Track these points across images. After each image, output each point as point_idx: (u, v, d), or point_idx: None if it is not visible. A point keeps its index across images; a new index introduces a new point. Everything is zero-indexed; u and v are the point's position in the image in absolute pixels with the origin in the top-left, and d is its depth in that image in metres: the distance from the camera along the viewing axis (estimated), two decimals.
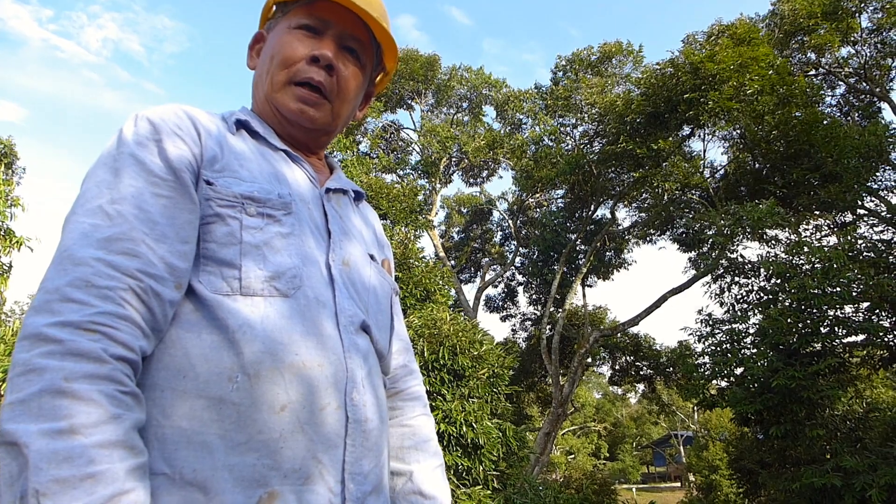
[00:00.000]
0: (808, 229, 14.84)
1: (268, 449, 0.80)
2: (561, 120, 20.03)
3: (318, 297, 0.93)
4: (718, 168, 17.48)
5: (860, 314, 10.77)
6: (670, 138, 15.19)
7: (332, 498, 0.85)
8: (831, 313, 10.59)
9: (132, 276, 0.79)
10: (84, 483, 0.65)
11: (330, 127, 1.14)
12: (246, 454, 0.79)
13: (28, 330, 0.72)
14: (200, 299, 0.86)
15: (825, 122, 14.03)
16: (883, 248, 11.32)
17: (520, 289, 24.26)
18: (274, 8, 1.16)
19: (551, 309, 19.81)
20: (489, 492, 8.49)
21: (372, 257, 1.14)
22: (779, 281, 11.30)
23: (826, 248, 11.00)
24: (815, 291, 10.24)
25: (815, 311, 10.45)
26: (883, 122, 15.85)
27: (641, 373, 22.25)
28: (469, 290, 25.19)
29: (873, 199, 14.39)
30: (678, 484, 43.71)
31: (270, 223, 0.93)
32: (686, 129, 15.93)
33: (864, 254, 11.26)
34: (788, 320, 10.41)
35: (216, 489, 0.76)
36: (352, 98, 1.14)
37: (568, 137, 20.03)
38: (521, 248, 23.55)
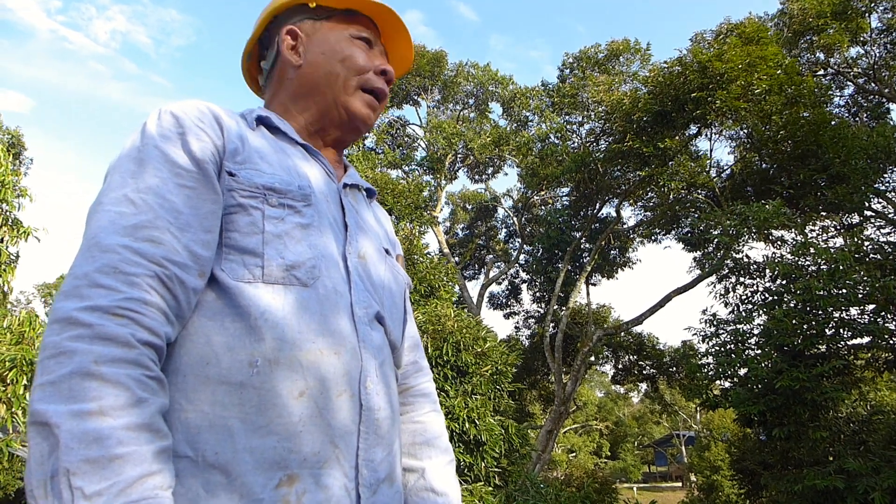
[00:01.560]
0: (814, 230, 14.78)
1: (287, 433, 0.83)
2: (567, 118, 19.99)
3: (335, 287, 0.96)
4: (725, 168, 17.42)
5: (866, 316, 10.72)
6: (677, 137, 15.14)
7: (347, 483, 0.87)
8: (837, 315, 10.55)
9: (157, 264, 0.81)
10: (113, 463, 0.67)
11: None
12: (266, 437, 0.81)
13: (58, 314, 0.74)
14: (223, 287, 0.88)
15: (833, 122, 13.96)
16: (890, 250, 11.27)
17: (524, 286, 24.28)
18: (312, 7, 1.19)
19: (555, 307, 19.80)
20: (491, 488, 8.51)
21: (387, 252, 1.17)
22: (784, 282, 11.27)
23: (832, 250, 10.96)
24: (821, 293, 10.20)
25: (820, 312, 10.42)
26: (891, 123, 15.78)
27: (644, 372, 22.25)
28: (473, 287, 25.20)
29: (881, 200, 14.33)
30: (679, 484, 43.70)
31: (291, 214, 0.96)
32: (693, 129, 15.88)
33: (871, 256, 11.22)
34: (793, 321, 10.38)
35: (237, 471, 0.79)
36: None
37: (574, 135, 19.99)
38: (525, 246, 23.53)
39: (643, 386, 25.66)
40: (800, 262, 11.22)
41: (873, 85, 17.80)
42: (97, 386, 0.69)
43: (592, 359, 20.12)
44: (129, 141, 0.92)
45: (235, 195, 0.93)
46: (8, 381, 5.86)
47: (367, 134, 1.20)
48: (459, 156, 23.06)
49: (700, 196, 16.57)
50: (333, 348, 0.91)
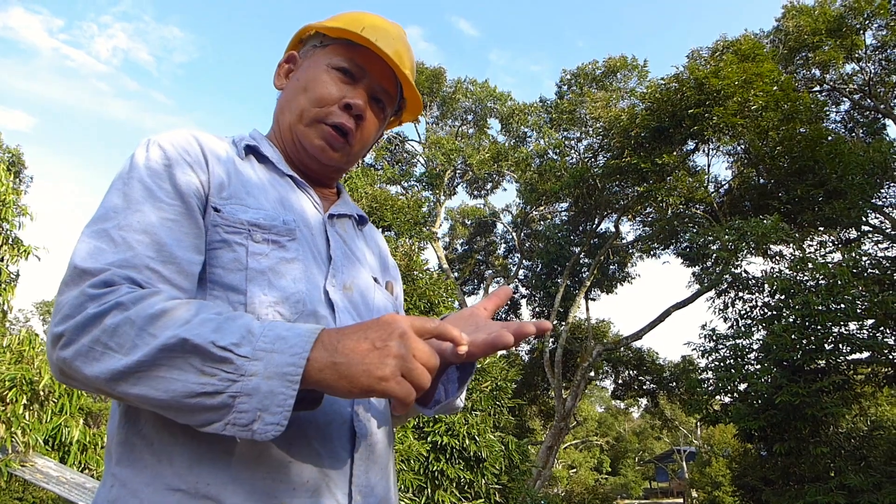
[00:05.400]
0: (812, 245, 14.82)
1: (276, 463, 0.83)
2: (565, 133, 20.12)
3: (319, 320, 0.96)
4: (723, 183, 17.52)
5: (865, 331, 10.74)
6: (674, 153, 15.24)
7: None
8: (836, 330, 10.56)
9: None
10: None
11: (344, 167, 1.18)
12: (256, 468, 0.82)
13: (49, 336, 0.79)
14: None
15: (829, 138, 14.07)
16: (888, 264, 11.32)
17: (523, 301, 24.27)
18: (311, 34, 1.18)
19: (554, 322, 19.79)
20: None
21: (376, 280, 1.16)
22: (783, 297, 11.29)
23: (830, 265, 11.00)
24: (820, 308, 10.22)
25: (819, 327, 10.43)
26: (887, 138, 15.90)
27: (644, 387, 22.19)
28: (472, 303, 25.14)
29: (878, 215, 14.41)
30: (680, 500, 43.37)
31: (275, 249, 0.95)
32: (690, 144, 15.98)
33: (869, 271, 11.26)
34: (792, 336, 10.39)
35: (229, 502, 0.79)
36: (369, 144, 1.19)
37: (572, 151, 20.10)
38: (524, 261, 23.57)
39: (643, 401, 25.57)
40: (798, 277, 11.25)
41: (869, 101, 17.94)
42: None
43: (592, 374, 20.09)
44: (119, 171, 0.94)
45: (220, 231, 0.93)
46: (7, 401, 5.85)
47: (335, 168, 1.10)
48: (458, 171, 23.16)
49: (698, 211, 16.64)
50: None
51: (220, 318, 0.76)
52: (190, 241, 0.90)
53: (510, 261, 25.42)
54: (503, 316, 24.69)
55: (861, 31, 16.91)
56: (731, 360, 11.80)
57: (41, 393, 6.08)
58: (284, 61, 1.21)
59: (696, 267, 18.77)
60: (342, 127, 1.10)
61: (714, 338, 12.49)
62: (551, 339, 19.78)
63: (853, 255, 11.46)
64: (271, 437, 0.73)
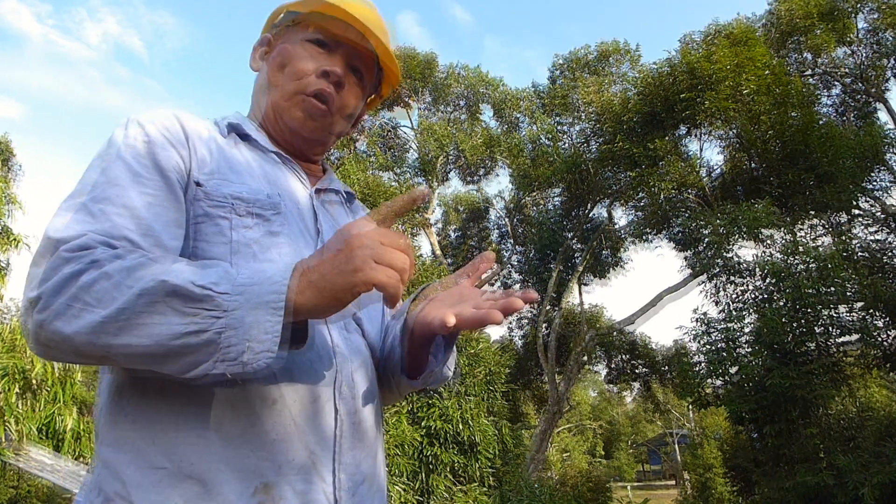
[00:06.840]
0: (803, 230, 14.88)
1: (261, 441, 0.83)
2: (558, 119, 20.06)
3: None
4: (714, 168, 17.52)
5: (854, 314, 10.84)
6: (667, 138, 15.23)
7: (326, 488, 0.87)
8: (826, 313, 10.66)
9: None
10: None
11: (326, 139, 1.17)
12: (240, 447, 0.82)
13: (24, 302, 0.78)
14: None
15: (821, 122, 14.09)
16: (877, 248, 11.40)
17: (516, 287, 24.24)
18: (282, 15, 1.18)
19: (548, 308, 19.85)
20: (485, 489, 8.54)
21: None
22: (774, 281, 11.36)
23: (821, 249, 11.08)
24: (810, 292, 10.30)
25: (809, 311, 10.52)
26: (878, 123, 15.94)
27: (637, 372, 22.32)
28: None
29: (868, 199, 14.46)
30: (673, 482, 43.81)
31: (259, 222, 0.95)
32: (682, 130, 15.97)
33: (859, 254, 11.35)
34: (783, 320, 10.47)
35: (213, 481, 0.79)
36: (349, 115, 1.18)
37: (565, 137, 20.05)
38: (517, 248, 23.59)
39: (636, 386, 25.74)
40: (789, 262, 11.32)
41: (860, 85, 17.94)
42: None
43: (585, 359, 20.19)
44: (98, 150, 0.93)
45: (203, 205, 0.92)
46: (0, 390, 5.84)
47: (317, 140, 1.15)
48: (451, 158, 23.08)
49: (690, 196, 16.66)
50: (306, 354, 0.89)
51: (198, 264, 0.78)
52: (170, 216, 0.89)
53: (503, 247, 25.41)
54: None
55: (853, 15, 16.89)
56: (723, 345, 11.88)
57: (34, 382, 6.07)
58: (259, 44, 1.21)
59: (688, 252, 18.81)
60: (321, 94, 1.09)
61: (705, 322, 12.56)
62: (544, 325, 19.85)
63: (843, 239, 11.54)
64: (264, 366, 0.73)
